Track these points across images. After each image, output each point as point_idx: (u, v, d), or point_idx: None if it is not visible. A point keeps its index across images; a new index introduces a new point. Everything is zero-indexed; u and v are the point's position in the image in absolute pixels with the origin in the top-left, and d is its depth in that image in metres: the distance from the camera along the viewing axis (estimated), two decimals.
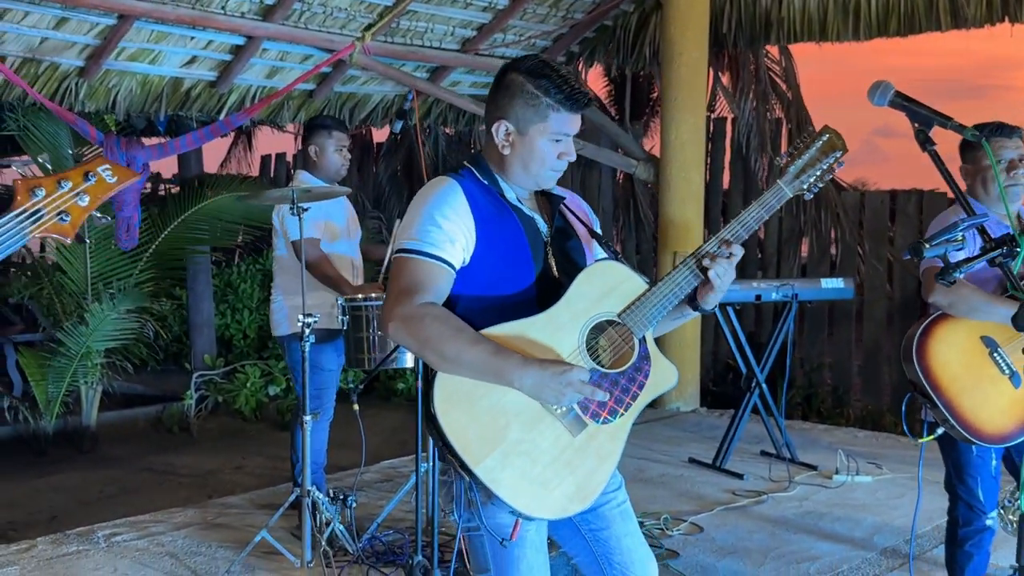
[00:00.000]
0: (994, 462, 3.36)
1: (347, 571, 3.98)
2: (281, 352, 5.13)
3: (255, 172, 13.74)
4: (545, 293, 2.29)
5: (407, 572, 3.70)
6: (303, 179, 4.48)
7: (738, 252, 2.29)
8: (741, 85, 8.43)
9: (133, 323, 7.13)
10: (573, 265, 2.38)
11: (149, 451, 7.10)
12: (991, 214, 3.33)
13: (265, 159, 12.63)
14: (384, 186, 10.47)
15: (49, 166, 7.25)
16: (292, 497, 3.91)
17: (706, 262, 2.27)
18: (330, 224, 4.47)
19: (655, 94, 11.81)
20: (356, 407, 3.92)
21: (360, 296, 4.11)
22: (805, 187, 2.37)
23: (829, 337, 8.17)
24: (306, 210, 3.91)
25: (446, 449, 2.17)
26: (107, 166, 1.80)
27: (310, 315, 3.83)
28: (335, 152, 4.53)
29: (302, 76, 6.25)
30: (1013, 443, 3.16)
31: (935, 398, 3.08)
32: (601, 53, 8.14)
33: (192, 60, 6.36)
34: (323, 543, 3.84)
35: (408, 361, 4.02)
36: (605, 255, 2.58)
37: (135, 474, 6.46)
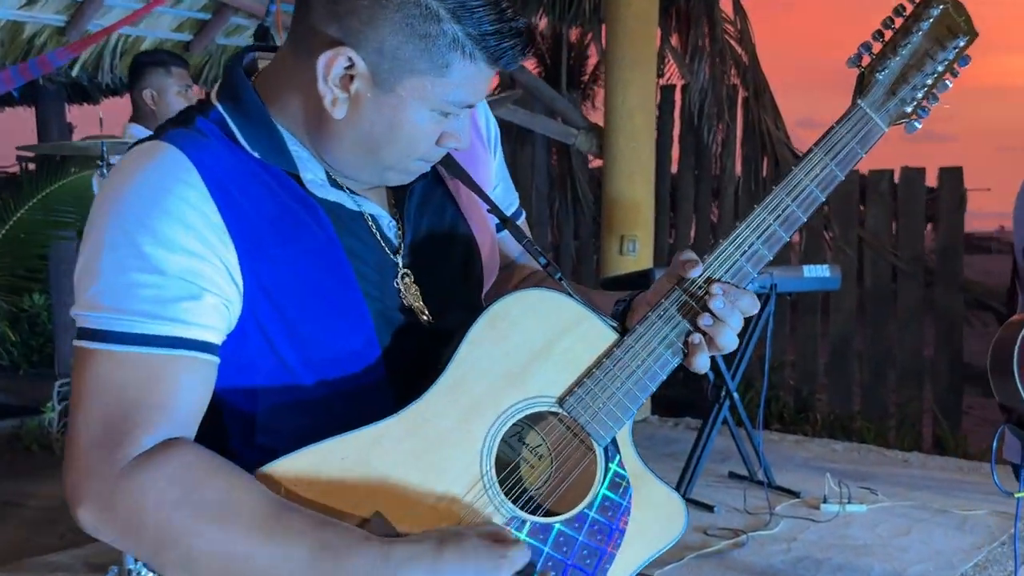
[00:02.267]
0: None
1: None
2: None
3: None
4: (407, 366, 1.21)
5: None
6: (134, 133, 3.33)
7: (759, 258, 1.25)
8: (692, 46, 7.42)
9: None
10: (461, 295, 1.31)
11: None
12: None
13: None
14: None
15: None
16: None
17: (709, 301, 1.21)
18: None
19: (586, 73, 10.78)
20: None
21: None
22: (909, 109, 1.28)
23: (792, 332, 7.25)
24: None
25: None
26: None
27: None
28: (177, 95, 3.40)
29: (137, 13, 5.00)
30: None
31: None
32: (534, 7, 7.07)
33: (33, 0, 5.16)
34: None
35: None
36: (521, 261, 1.48)
37: None
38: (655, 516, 1.23)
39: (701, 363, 1.21)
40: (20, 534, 4.80)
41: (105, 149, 2.70)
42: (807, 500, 4.65)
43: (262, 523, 1.05)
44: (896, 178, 6.71)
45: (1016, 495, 2.29)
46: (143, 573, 2.78)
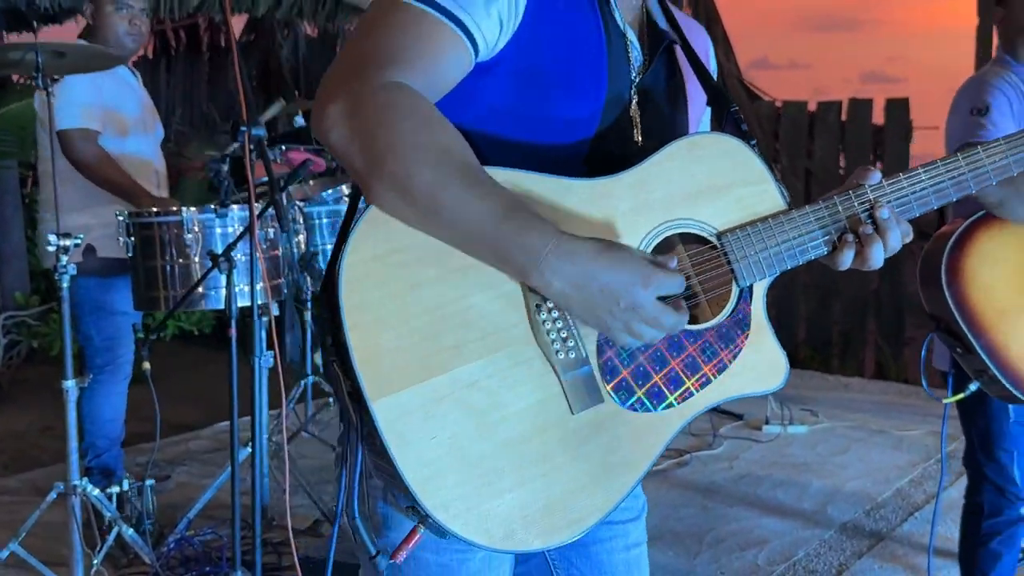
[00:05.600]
0: None
1: None
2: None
3: None
4: (606, 158, 1.31)
5: None
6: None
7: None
8: None
9: None
10: (665, 133, 1.39)
11: None
12: None
13: None
14: (236, 96, 9.11)
15: None
16: (52, 495, 2.77)
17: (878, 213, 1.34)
18: (114, 114, 3.27)
19: None
20: (147, 366, 2.83)
21: (154, 210, 2.98)
22: None
23: None
24: (56, 80, 2.71)
25: (337, 356, 1.17)
26: None
27: (67, 235, 2.67)
28: (115, 15, 3.30)
29: None
30: None
31: (972, 339, 2.15)
32: None
33: None
34: (96, 560, 2.73)
35: (221, 301, 2.90)
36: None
37: None
38: (760, 363, 1.32)
39: (843, 260, 1.32)
40: None
41: (39, 54, 2.61)
42: (750, 422, 4.75)
43: (472, 173, 1.17)
44: (844, 110, 6.76)
45: (944, 400, 2.35)
46: (88, 489, 2.79)
